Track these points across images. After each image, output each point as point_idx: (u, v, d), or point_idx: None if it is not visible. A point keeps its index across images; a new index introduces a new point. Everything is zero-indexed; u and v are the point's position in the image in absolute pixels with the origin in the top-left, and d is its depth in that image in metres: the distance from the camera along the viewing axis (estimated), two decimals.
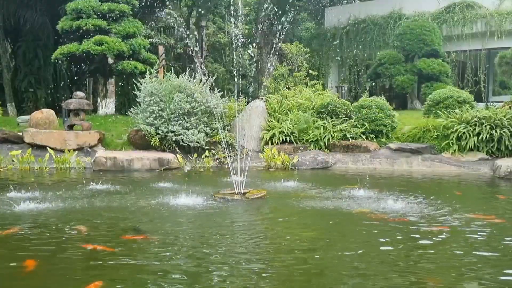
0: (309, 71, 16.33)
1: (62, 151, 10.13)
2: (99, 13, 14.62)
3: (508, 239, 4.16)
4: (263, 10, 22.04)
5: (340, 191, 6.71)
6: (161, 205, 5.55)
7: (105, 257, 3.55)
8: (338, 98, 13.06)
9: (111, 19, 14.83)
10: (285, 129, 11.07)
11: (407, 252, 3.76)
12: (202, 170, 9.91)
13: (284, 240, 4.20)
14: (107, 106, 16.42)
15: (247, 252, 3.77)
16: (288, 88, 13.68)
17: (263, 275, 3.24)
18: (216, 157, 10.52)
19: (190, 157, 10.34)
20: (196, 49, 23.25)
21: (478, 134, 9.89)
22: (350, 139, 10.84)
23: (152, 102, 10.67)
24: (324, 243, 4.12)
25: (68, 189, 6.72)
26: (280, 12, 20.54)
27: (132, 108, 11.35)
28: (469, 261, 3.56)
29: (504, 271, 3.33)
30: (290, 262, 3.50)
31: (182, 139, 10.43)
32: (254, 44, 26.96)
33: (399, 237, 4.17)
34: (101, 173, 8.75)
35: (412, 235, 4.23)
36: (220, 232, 4.36)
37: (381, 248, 3.86)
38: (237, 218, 5.22)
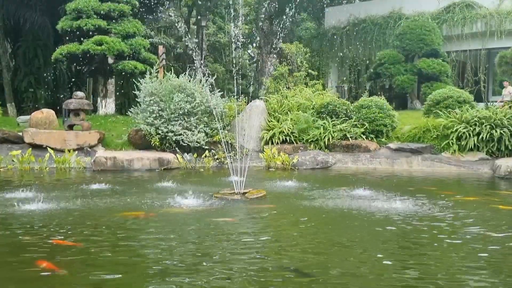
0: (309, 71, 16.33)
1: (62, 151, 10.13)
2: (99, 13, 14.61)
3: None
4: (263, 10, 22.04)
5: (341, 191, 6.70)
6: (161, 205, 5.55)
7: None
8: (338, 98, 13.06)
9: (111, 19, 14.82)
10: (285, 129, 11.07)
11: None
12: (202, 170, 9.91)
13: (282, 240, 4.19)
14: (107, 106, 16.41)
15: (244, 253, 3.77)
16: (288, 88, 13.68)
17: (260, 275, 3.24)
18: (216, 157, 10.52)
19: (190, 157, 10.33)
20: (196, 48, 23.25)
21: (478, 134, 9.90)
22: (350, 139, 10.83)
23: (152, 102, 10.67)
24: (324, 245, 4.12)
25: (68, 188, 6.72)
26: (279, 10, 20.52)
27: (132, 108, 11.34)
28: None
29: None
30: (288, 262, 3.50)
31: (182, 139, 10.43)
32: (254, 44, 26.96)
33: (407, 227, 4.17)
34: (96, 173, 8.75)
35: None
36: (218, 232, 4.35)
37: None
38: (235, 218, 5.21)
